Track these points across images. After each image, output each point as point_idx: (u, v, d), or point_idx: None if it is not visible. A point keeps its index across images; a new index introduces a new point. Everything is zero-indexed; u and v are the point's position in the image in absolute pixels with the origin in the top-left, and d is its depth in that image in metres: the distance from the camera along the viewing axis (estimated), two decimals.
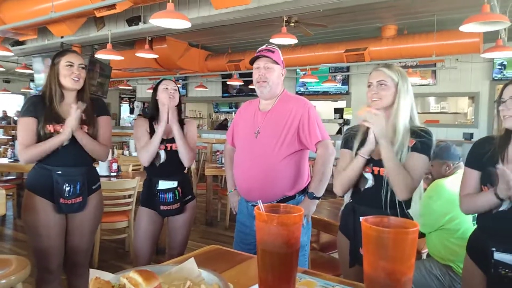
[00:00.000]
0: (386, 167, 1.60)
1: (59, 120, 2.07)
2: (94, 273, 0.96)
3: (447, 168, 2.48)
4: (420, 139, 1.63)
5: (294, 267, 0.91)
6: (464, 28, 3.67)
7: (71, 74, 2.09)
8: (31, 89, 11.83)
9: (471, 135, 7.13)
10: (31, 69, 7.80)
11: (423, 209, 2.30)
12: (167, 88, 2.36)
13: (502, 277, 1.48)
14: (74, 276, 2.27)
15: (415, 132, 1.65)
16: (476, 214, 1.64)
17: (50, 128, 2.05)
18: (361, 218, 0.82)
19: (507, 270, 1.47)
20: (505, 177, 1.36)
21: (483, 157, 1.55)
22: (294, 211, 0.94)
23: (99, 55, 5.70)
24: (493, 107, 7.02)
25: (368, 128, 1.66)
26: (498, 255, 1.49)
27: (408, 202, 1.66)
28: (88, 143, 2.12)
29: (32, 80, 11.04)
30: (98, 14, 4.59)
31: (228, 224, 4.91)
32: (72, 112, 2.02)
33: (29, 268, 2.04)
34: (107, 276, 0.97)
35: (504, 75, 7.13)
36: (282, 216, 0.91)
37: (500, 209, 1.49)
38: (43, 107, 2.07)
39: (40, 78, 7.14)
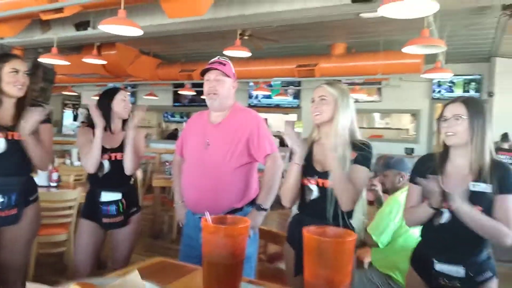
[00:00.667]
0: (333, 178, 1.66)
1: None
2: (31, 286, 0.91)
3: (401, 178, 2.61)
4: (361, 152, 1.71)
5: (238, 277, 0.92)
6: (406, 49, 3.92)
7: (15, 82, 1.99)
8: None
9: (412, 150, 7.56)
10: None
11: (382, 226, 2.39)
12: (125, 100, 2.35)
13: (442, 287, 1.57)
14: None
15: (356, 146, 1.73)
16: (421, 228, 1.74)
17: None
18: (303, 229, 0.85)
19: (446, 281, 1.56)
20: (426, 188, 1.49)
21: (425, 173, 1.64)
22: (240, 222, 0.95)
23: (43, 59, 5.43)
24: (432, 124, 7.56)
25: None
26: (438, 266, 1.58)
27: (350, 213, 1.73)
28: (37, 150, 2.02)
29: None
30: (44, 17, 4.37)
31: (174, 237, 4.79)
32: (28, 116, 1.94)
33: None
34: None
35: (442, 94, 7.68)
36: (228, 227, 0.92)
37: (441, 221, 1.59)
38: None
39: None
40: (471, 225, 1.49)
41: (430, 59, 5.60)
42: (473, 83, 7.53)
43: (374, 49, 6.38)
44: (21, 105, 2.05)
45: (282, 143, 9.68)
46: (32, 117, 1.94)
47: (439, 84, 7.71)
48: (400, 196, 2.46)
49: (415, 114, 8.21)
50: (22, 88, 2.02)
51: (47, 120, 2.17)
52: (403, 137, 9.14)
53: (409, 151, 7.54)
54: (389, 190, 2.67)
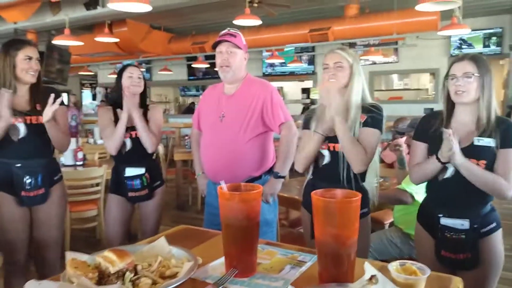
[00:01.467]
0: (341, 142, 1.70)
1: (12, 113, 2.02)
2: (70, 255, 1.01)
3: None
4: (371, 114, 1.74)
5: (255, 239, 0.99)
6: (420, 7, 3.81)
7: (29, 69, 2.05)
8: None
9: (431, 110, 7.42)
10: None
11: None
12: (131, 77, 2.35)
13: (447, 240, 1.64)
14: (45, 271, 2.23)
15: (366, 108, 1.75)
16: (426, 184, 1.79)
17: None
18: (312, 192, 0.90)
19: (451, 233, 1.62)
20: (448, 140, 1.50)
21: (429, 130, 1.68)
22: (254, 188, 1.01)
23: (57, 41, 5.51)
24: None
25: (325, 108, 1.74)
26: (444, 220, 1.64)
27: (363, 176, 1.78)
28: (55, 132, 2.11)
29: None
30: None
31: (199, 208, 4.96)
32: (50, 101, 2.01)
33: (1, 260, 2.03)
34: (83, 257, 1.02)
35: (461, 51, 7.44)
36: (242, 193, 0.99)
37: (445, 176, 1.63)
38: None
39: None
40: (472, 180, 1.55)
41: (447, 14, 5.42)
42: (494, 38, 7.26)
43: (388, 8, 6.20)
44: (35, 90, 2.13)
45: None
46: (51, 108, 2.01)
47: (462, 41, 7.43)
48: None
49: (434, 73, 8.02)
50: (34, 74, 2.09)
51: (61, 102, 2.23)
52: (423, 97, 8.96)
53: (428, 112, 7.41)
54: None
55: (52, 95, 2.03)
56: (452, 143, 1.49)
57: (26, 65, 2.05)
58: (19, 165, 2.06)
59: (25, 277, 2.16)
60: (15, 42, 2.11)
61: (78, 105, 7.61)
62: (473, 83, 1.57)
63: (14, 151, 2.05)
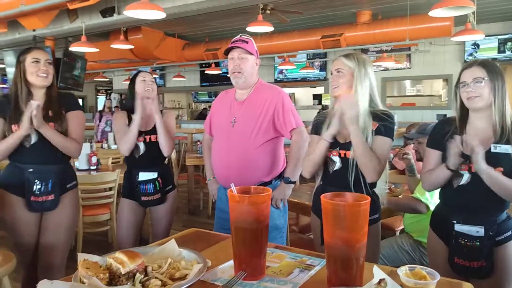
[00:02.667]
0: (356, 152, 1.68)
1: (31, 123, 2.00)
2: (82, 256, 1.03)
3: None
4: (383, 123, 1.72)
5: (264, 242, 1.00)
6: (433, 13, 3.80)
7: (38, 71, 2.06)
8: (3, 83, 11.53)
9: (444, 116, 7.33)
10: (3, 63, 7.61)
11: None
12: (144, 80, 2.40)
13: (462, 247, 1.61)
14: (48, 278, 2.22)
15: (377, 116, 1.74)
16: (439, 190, 1.77)
17: (15, 128, 2.03)
18: (321, 196, 0.91)
19: (466, 240, 1.60)
20: (452, 148, 1.50)
21: (443, 138, 1.66)
22: (263, 191, 1.03)
23: (74, 48, 5.63)
24: None
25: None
26: (458, 227, 1.62)
27: (373, 182, 1.76)
28: (56, 139, 2.08)
29: (4, 75, 10.76)
30: (71, 6, 4.53)
31: (210, 213, 4.98)
32: (26, 111, 1.96)
33: (14, 262, 2.06)
34: (94, 258, 1.04)
35: (475, 57, 7.35)
36: (252, 196, 1.00)
37: (461, 183, 1.61)
38: (10, 107, 2.05)
39: (13, 72, 6.95)
40: (492, 186, 1.52)
41: (461, 20, 5.38)
42: (509, 43, 7.17)
43: (400, 14, 6.18)
44: (48, 96, 2.13)
45: None
46: (26, 115, 1.96)
47: (475, 44, 7.34)
48: None
49: (447, 79, 7.94)
50: (46, 77, 2.09)
51: (76, 107, 2.25)
52: (435, 103, 8.88)
53: (441, 118, 7.31)
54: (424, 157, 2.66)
55: (31, 102, 1.97)
56: (476, 149, 1.48)
57: (34, 67, 2.06)
58: (31, 170, 2.08)
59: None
60: (25, 49, 2.14)
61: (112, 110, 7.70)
62: (485, 88, 1.55)
63: (26, 157, 2.07)
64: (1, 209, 2.11)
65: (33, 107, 1.95)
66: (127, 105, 2.48)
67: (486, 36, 5.79)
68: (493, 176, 1.51)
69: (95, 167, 4.13)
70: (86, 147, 3.85)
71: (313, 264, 1.22)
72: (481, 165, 1.50)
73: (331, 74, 1.81)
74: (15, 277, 2.36)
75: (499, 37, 7.16)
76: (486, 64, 1.58)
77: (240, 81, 2.13)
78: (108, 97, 10.61)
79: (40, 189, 2.09)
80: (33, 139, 2.06)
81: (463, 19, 5.16)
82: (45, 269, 2.18)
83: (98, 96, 15.60)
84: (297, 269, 1.18)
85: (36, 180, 2.08)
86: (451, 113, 1.75)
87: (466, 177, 1.60)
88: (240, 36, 2.18)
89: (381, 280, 0.95)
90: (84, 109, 14.44)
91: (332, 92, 1.81)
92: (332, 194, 0.92)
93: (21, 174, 2.08)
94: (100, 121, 7.50)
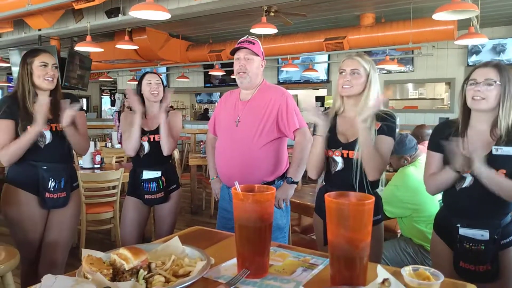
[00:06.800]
0: (362, 149, 1.69)
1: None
2: (86, 252, 1.04)
3: (405, 161, 2.61)
4: (385, 123, 1.74)
5: (268, 240, 1.01)
6: (436, 16, 3.80)
7: (45, 75, 2.11)
8: (8, 82, 11.60)
9: (447, 119, 7.34)
10: (8, 63, 7.65)
11: (389, 196, 2.43)
12: (150, 83, 2.43)
13: (467, 251, 1.60)
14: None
15: (380, 116, 1.75)
16: (441, 194, 1.77)
17: (30, 128, 2.06)
18: (325, 195, 0.92)
19: (471, 244, 1.59)
20: (451, 151, 1.49)
21: (443, 140, 1.64)
22: (267, 189, 1.03)
23: (79, 48, 5.66)
24: None
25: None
26: (463, 230, 1.61)
27: (374, 183, 1.78)
28: (76, 138, 2.18)
29: (10, 74, 10.82)
30: (76, 7, 4.55)
31: (213, 213, 4.99)
32: (40, 107, 2.03)
33: (18, 258, 2.08)
34: (98, 254, 1.05)
35: (478, 60, 7.34)
36: (256, 194, 1.00)
37: (463, 185, 1.60)
38: (18, 108, 2.09)
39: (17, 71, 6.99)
40: (493, 188, 1.50)
41: (464, 24, 5.38)
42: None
43: (404, 17, 6.18)
44: (54, 97, 2.18)
45: None
46: (68, 114, 2.07)
47: (478, 49, 7.33)
48: (410, 168, 2.51)
49: (449, 83, 7.93)
50: (52, 80, 2.15)
51: (79, 108, 2.30)
52: (438, 106, 8.86)
53: (443, 121, 7.33)
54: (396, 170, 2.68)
55: (68, 100, 2.09)
56: (474, 155, 1.47)
57: (42, 71, 2.11)
58: (45, 167, 2.13)
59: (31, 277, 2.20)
60: (32, 51, 2.19)
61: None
62: (493, 91, 1.53)
63: (41, 155, 2.12)
64: (7, 206, 2.14)
65: (75, 108, 2.07)
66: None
67: (489, 39, 5.78)
68: (494, 179, 1.50)
69: (99, 166, 4.15)
70: (90, 146, 3.87)
71: (316, 263, 1.22)
72: (481, 169, 1.48)
73: (341, 73, 1.79)
74: (16, 272, 2.37)
75: (503, 40, 7.15)
76: (500, 67, 1.56)
77: (245, 81, 2.14)
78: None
79: (54, 186, 2.14)
80: (48, 139, 2.12)
81: (467, 22, 5.16)
82: (47, 265, 2.21)
83: (102, 96, 15.66)
84: (300, 268, 1.18)
85: (50, 178, 2.13)
86: (454, 116, 1.73)
87: (468, 180, 1.59)
88: (247, 37, 2.20)
89: (384, 280, 0.95)
90: (88, 109, 14.50)
91: (341, 91, 1.79)
92: (336, 194, 0.93)
93: (35, 172, 2.12)
94: (119, 121, 7.51)
